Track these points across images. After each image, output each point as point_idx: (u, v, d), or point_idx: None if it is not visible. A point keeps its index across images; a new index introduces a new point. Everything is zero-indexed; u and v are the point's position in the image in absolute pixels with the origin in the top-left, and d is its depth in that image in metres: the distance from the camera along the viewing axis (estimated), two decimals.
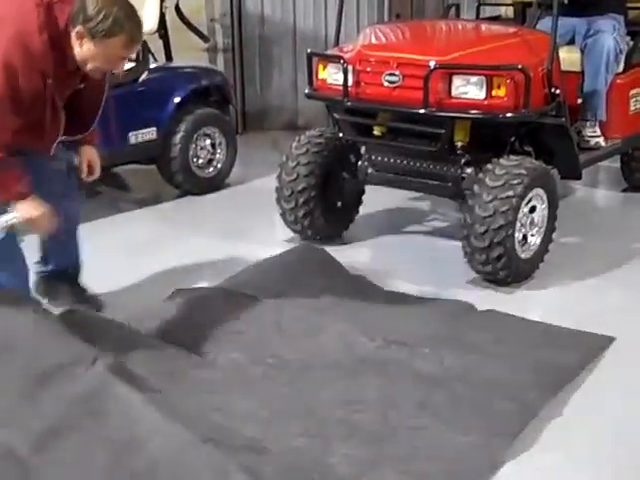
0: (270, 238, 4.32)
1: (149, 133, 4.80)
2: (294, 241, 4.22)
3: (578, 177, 4.13)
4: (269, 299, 3.22)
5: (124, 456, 2.12)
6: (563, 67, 3.95)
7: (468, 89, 3.56)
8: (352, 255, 4.07)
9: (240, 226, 4.54)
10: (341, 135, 4.10)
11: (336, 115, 4.04)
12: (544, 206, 3.79)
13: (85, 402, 2.27)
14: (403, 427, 2.50)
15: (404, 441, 2.43)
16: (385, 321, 3.16)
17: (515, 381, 2.74)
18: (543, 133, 3.91)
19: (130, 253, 4.03)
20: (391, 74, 3.71)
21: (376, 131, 3.96)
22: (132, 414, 2.24)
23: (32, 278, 3.21)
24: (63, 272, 3.34)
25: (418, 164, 3.96)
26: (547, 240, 3.85)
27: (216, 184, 5.25)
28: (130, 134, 4.69)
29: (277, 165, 4.20)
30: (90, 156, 3.08)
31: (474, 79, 3.56)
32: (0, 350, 2.42)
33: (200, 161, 5.15)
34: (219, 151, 5.25)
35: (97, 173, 3.13)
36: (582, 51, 4.27)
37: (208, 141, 5.19)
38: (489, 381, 2.73)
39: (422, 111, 3.58)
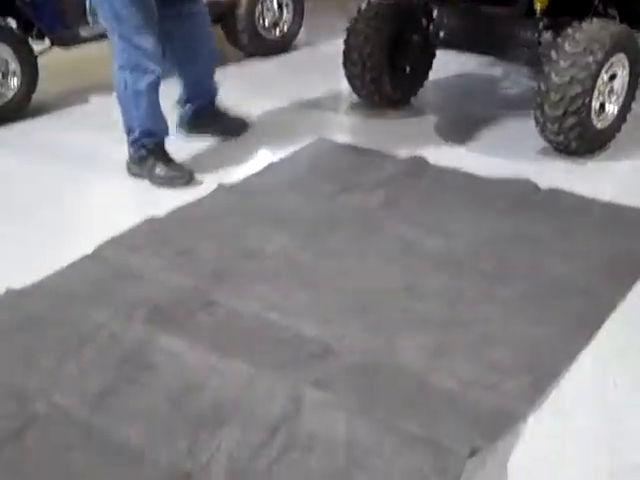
0: (336, 103, 4.06)
1: None
2: (361, 107, 3.95)
3: None
4: (320, 196, 3.07)
5: (186, 402, 1.98)
6: None
7: None
8: (418, 123, 3.80)
9: (305, 90, 4.19)
10: None
11: None
12: (625, 73, 3.40)
13: (132, 358, 2.13)
14: (471, 316, 2.32)
15: (474, 329, 2.25)
16: (445, 217, 2.91)
17: (586, 276, 2.51)
18: None
19: None
20: None
21: None
22: (182, 361, 2.11)
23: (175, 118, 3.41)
24: (204, 107, 3.52)
25: (493, 28, 3.61)
26: (626, 109, 3.49)
27: (282, 47, 4.88)
28: None
29: (345, 28, 3.86)
30: None
31: None
32: (37, 325, 2.31)
33: (266, 22, 4.80)
34: (286, 13, 4.88)
35: None
36: None
37: (275, 2, 4.83)
38: (557, 278, 2.50)
39: None
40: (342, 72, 3.89)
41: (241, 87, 4.23)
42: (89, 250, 2.69)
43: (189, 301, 2.41)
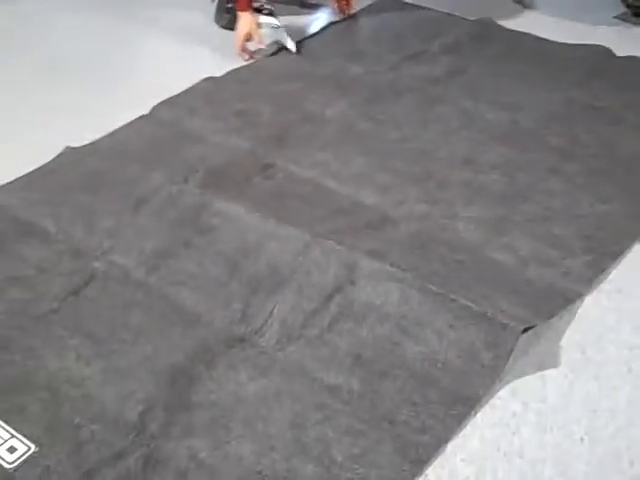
0: None
1: None
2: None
3: None
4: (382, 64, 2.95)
5: (240, 263, 1.97)
6: None
7: None
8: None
9: None
10: None
11: None
12: None
13: (189, 221, 2.11)
14: (534, 189, 2.25)
15: (536, 204, 2.19)
16: (513, 87, 2.77)
17: None
18: None
19: None
20: None
21: None
22: (239, 225, 2.07)
23: None
24: None
25: None
26: None
27: None
28: None
29: None
30: None
31: None
32: (93, 186, 2.30)
33: None
34: None
35: None
36: None
37: None
38: (631, 155, 2.38)
39: None
40: None
41: None
42: (146, 111, 2.66)
43: (247, 164, 2.38)
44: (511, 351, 1.72)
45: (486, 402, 1.66)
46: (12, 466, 1.54)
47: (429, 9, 3.41)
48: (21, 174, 2.37)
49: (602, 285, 1.95)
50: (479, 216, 2.16)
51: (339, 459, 1.54)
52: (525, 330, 1.75)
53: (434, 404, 1.64)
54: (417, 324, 1.80)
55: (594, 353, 1.78)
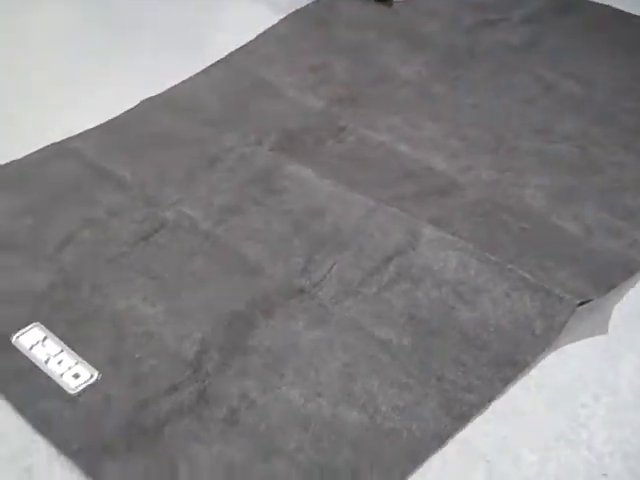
0: None
1: None
2: None
3: None
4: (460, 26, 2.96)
5: (305, 223, 2.02)
6: None
7: None
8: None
9: None
10: None
11: None
12: None
13: (259, 180, 2.17)
14: (605, 162, 2.24)
15: (606, 176, 2.19)
16: (590, 61, 2.74)
17: None
18: None
19: None
20: None
21: None
22: (308, 187, 2.13)
23: None
24: None
25: None
26: None
27: None
28: None
29: None
30: None
31: None
32: (168, 140, 2.37)
33: None
34: None
35: None
36: None
37: None
38: None
39: None
40: None
41: None
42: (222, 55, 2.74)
43: (319, 126, 2.43)
44: (564, 323, 1.73)
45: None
46: (75, 391, 1.63)
47: None
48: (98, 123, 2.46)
49: None
50: (548, 185, 2.17)
51: (383, 409, 1.58)
52: (581, 303, 1.76)
53: (482, 366, 1.67)
54: (474, 291, 1.82)
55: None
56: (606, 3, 3.14)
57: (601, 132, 2.38)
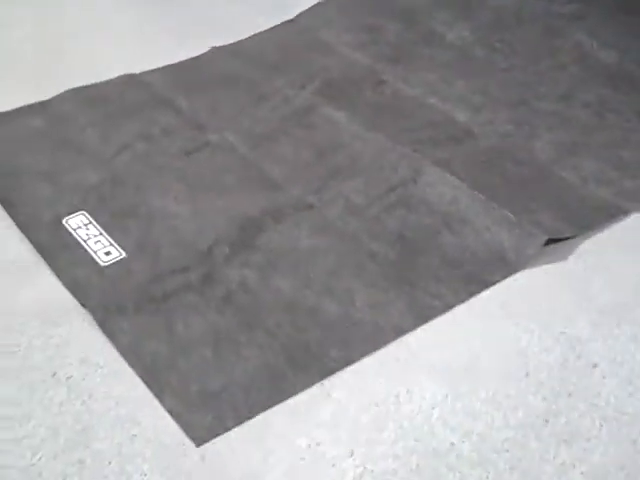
0: None
1: None
2: None
3: None
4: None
5: (327, 154, 2.28)
6: None
7: None
8: None
9: None
10: None
11: None
12: None
13: (295, 116, 2.44)
14: (618, 126, 2.41)
15: (615, 134, 2.37)
16: (625, 32, 2.88)
17: None
18: None
19: None
20: None
21: None
22: (336, 126, 2.39)
23: None
24: None
25: None
26: None
27: None
28: None
29: None
30: None
31: None
32: (226, 81, 2.65)
33: None
34: None
35: None
36: None
37: None
38: None
39: None
40: None
41: None
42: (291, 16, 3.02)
43: (362, 79, 2.67)
44: (532, 255, 1.92)
45: None
46: (105, 264, 1.94)
47: None
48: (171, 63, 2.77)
49: None
50: (558, 140, 2.35)
51: (358, 304, 1.81)
52: (552, 240, 1.95)
53: (453, 280, 1.88)
54: (459, 221, 2.03)
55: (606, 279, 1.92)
56: None
57: (622, 100, 2.52)
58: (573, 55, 2.76)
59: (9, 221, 2.09)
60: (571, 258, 1.95)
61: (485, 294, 1.85)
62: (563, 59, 2.74)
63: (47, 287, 1.88)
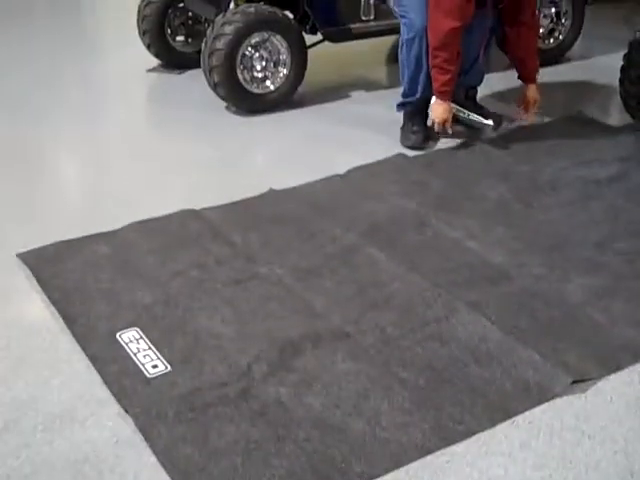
0: (606, 121, 3.80)
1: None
2: (632, 127, 3.65)
3: None
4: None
5: (367, 291, 2.41)
6: None
7: None
8: None
9: (574, 105, 4.01)
10: None
11: None
12: None
13: (340, 256, 2.59)
14: None
15: None
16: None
17: None
18: None
19: None
20: None
21: None
22: (378, 266, 2.54)
23: None
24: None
25: None
26: None
27: (555, 57, 4.59)
28: None
29: (627, 42, 3.65)
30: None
31: None
32: (279, 220, 2.86)
33: (541, 31, 4.45)
34: (564, 21, 4.56)
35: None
36: None
37: (553, 9, 4.54)
38: None
39: None
40: (616, 89, 3.75)
41: (505, 97, 4.14)
42: (341, 171, 3.25)
43: (406, 221, 2.85)
44: (556, 394, 2.00)
45: None
46: (151, 376, 2.07)
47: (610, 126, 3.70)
48: (230, 201, 3.01)
49: None
50: (589, 283, 2.45)
51: (384, 424, 1.89)
52: (575, 382, 2.03)
53: (477, 408, 1.95)
54: (488, 358, 2.13)
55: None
56: None
57: None
58: (607, 214, 2.90)
59: (69, 335, 2.25)
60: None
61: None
62: (597, 217, 2.88)
63: (94, 399, 2.01)
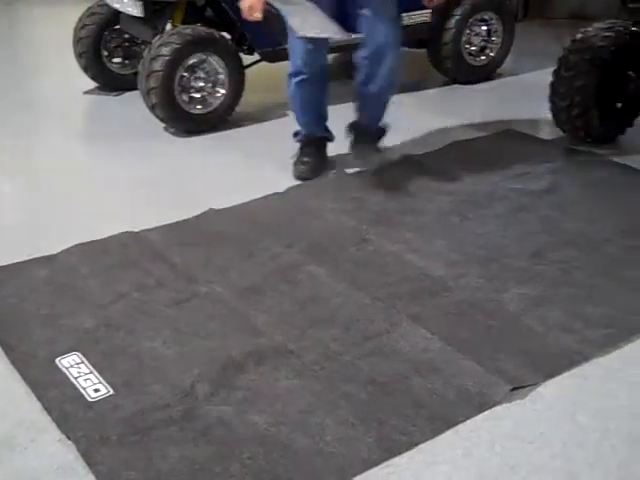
0: (537, 136, 3.87)
1: (423, 15, 4.29)
2: (562, 141, 3.74)
3: None
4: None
5: (309, 307, 2.40)
6: None
7: None
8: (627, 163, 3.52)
9: (506, 121, 4.08)
10: (634, 29, 3.54)
11: (630, 5, 3.51)
12: None
13: (280, 273, 2.59)
14: (583, 282, 2.54)
15: (580, 290, 2.49)
16: (594, 206, 3.12)
17: None
18: None
19: (388, 136, 3.55)
20: None
21: None
22: (319, 283, 2.54)
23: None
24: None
25: None
26: None
27: (486, 74, 4.65)
28: (403, 15, 4.05)
29: (555, 58, 3.68)
30: None
31: None
32: (219, 239, 2.85)
33: (473, 48, 4.59)
34: (494, 39, 4.63)
35: None
36: None
37: (484, 27, 4.61)
38: None
39: None
40: (545, 104, 3.73)
41: (440, 113, 4.26)
42: (280, 189, 3.26)
43: (345, 237, 2.86)
44: (497, 402, 2.02)
45: None
46: (93, 400, 2.03)
47: (543, 140, 3.78)
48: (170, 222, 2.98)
49: (615, 354, 2.21)
50: (526, 293, 2.49)
51: (328, 439, 1.88)
52: (514, 388, 2.06)
53: (420, 419, 1.95)
54: (429, 369, 2.14)
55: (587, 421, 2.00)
56: (628, 163, 3.49)
57: (586, 260, 2.69)
58: (542, 225, 2.95)
59: (7, 362, 2.19)
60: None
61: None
62: (532, 229, 2.93)
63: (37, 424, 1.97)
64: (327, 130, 3.49)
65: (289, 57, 3.27)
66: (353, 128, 3.51)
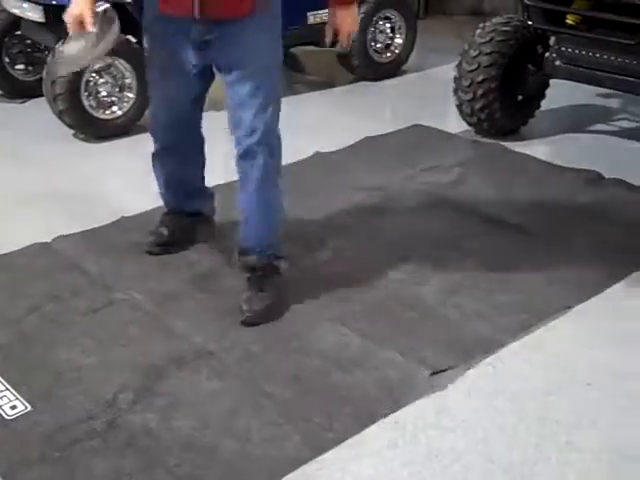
0: (444, 129, 3.92)
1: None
2: (468, 134, 3.85)
3: None
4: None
5: (227, 312, 2.35)
6: None
7: None
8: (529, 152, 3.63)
9: (414, 116, 4.12)
10: (530, 23, 3.60)
11: (527, 1, 3.55)
12: None
13: (199, 281, 2.54)
14: (501, 272, 2.60)
15: (492, 277, 2.56)
16: (504, 191, 3.23)
17: None
18: None
19: (299, 135, 3.45)
20: None
21: (569, 20, 3.45)
22: (237, 289, 2.43)
23: None
24: None
25: (613, 58, 3.40)
26: None
27: (392, 70, 4.73)
28: (309, 14, 4.22)
29: (458, 54, 3.77)
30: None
31: None
32: (134, 247, 2.74)
33: (378, 45, 4.67)
34: (398, 36, 4.73)
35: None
36: None
37: (388, 25, 4.69)
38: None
39: None
40: (451, 98, 3.80)
41: (348, 110, 4.29)
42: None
43: None
44: (418, 394, 2.04)
45: None
46: (10, 418, 1.95)
47: (450, 134, 3.85)
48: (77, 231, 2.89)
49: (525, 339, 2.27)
50: (442, 284, 2.54)
51: (255, 440, 1.87)
52: (433, 373, 2.10)
53: (345, 415, 1.96)
54: (351, 364, 2.15)
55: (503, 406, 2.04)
56: (527, 152, 3.61)
57: (498, 248, 2.77)
58: (455, 216, 3.01)
59: None
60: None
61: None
62: (446, 220, 2.98)
63: None
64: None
65: None
66: None
